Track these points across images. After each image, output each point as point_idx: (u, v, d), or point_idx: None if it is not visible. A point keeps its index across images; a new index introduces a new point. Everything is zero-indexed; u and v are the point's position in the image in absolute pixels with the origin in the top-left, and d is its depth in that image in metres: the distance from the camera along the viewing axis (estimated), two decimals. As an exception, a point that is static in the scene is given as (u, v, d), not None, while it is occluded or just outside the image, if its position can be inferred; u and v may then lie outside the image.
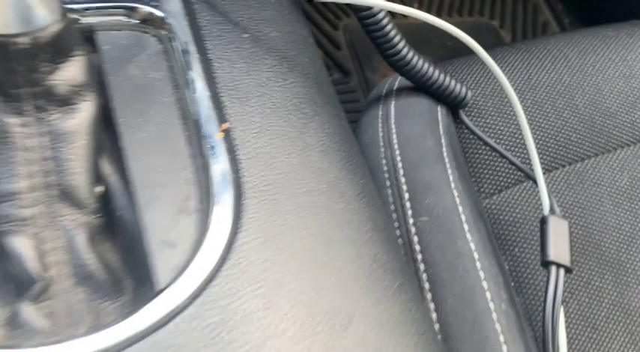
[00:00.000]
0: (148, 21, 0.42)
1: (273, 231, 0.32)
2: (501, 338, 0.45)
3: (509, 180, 0.61)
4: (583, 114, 0.66)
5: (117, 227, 0.35)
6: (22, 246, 0.32)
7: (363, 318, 0.31)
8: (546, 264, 0.49)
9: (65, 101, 0.35)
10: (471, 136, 0.62)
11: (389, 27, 0.53)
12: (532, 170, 0.55)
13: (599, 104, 0.66)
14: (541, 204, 0.54)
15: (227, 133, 0.36)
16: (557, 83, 0.67)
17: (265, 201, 0.33)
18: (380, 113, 0.57)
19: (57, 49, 0.34)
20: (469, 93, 0.59)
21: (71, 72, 0.35)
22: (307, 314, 0.30)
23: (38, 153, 0.34)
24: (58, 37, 0.34)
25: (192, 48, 0.41)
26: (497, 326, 0.45)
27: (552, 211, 0.52)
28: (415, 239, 0.46)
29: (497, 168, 0.62)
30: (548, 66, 0.67)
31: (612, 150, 0.65)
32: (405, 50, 0.54)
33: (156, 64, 0.41)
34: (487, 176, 0.61)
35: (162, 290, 0.30)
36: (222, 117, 0.37)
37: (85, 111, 0.36)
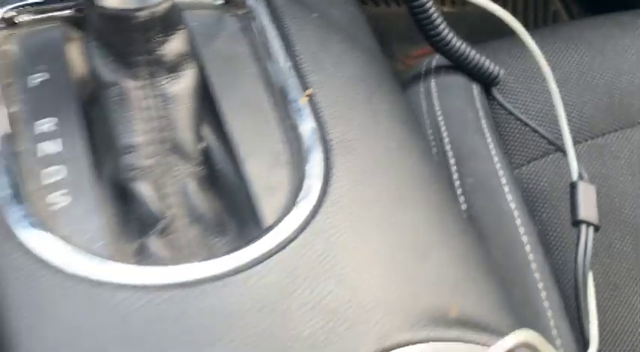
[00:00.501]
0: (230, 2, 0.47)
1: (359, 179, 0.38)
2: (540, 285, 0.50)
3: (536, 152, 0.67)
4: (603, 93, 0.71)
5: (218, 178, 0.40)
6: (145, 190, 0.38)
7: (439, 252, 0.36)
8: (577, 223, 0.55)
9: (173, 68, 0.40)
10: (500, 112, 0.67)
11: (432, 9, 0.58)
12: (560, 142, 0.61)
13: (618, 84, 0.71)
14: (566, 174, 0.60)
15: (310, 98, 0.42)
16: (579, 63, 0.72)
17: (350, 154, 0.39)
18: (421, 89, 0.62)
19: (167, 23, 0.40)
20: (501, 72, 0.65)
21: (177, 43, 0.40)
22: (393, 246, 0.35)
23: (152, 113, 0.40)
24: (169, 12, 0.39)
25: (270, 26, 0.46)
26: (537, 275, 0.51)
27: (581, 176, 0.58)
28: (462, 198, 0.51)
29: (525, 141, 0.67)
30: (571, 48, 0.73)
31: (630, 127, 0.71)
32: (446, 31, 0.59)
33: (238, 40, 0.46)
34: (516, 148, 0.67)
35: (272, 226, 0.35)
36: (304, 85, 0.43)
37: (188, 77, 0.41)
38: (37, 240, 0.33)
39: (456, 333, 0.32)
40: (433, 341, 0.31)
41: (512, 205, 0.52)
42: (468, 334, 0.32)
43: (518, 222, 0.51)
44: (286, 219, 0.35)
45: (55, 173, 0.37)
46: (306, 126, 0.40)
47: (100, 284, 0.31)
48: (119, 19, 0.38)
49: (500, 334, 0.32)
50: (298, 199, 0.36)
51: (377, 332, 0.31)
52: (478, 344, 0.31)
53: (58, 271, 0.31)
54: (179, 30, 0.41)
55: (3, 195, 0.34)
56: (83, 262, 0.32)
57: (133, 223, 0.37)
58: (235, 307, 0.31)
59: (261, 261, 0.33)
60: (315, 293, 0.32)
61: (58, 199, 0.36)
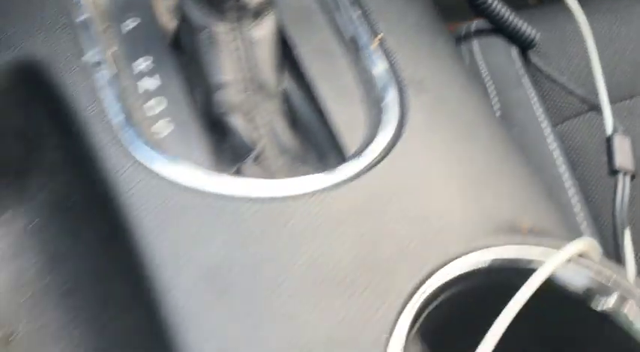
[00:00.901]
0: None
1: (431, 112, 0.41)
2: (582, 227, 0.54)
3: (570, 112, 0.70)
4: (630, 60, 0.75)
5: (298, 116, 0.44)
6: (239, 123, 0.41)
7: (508, 176, 0.40)
8: (614, 172, 0.58)
9: (257, 14, 0.44)
10: (535, 74, 0.71)
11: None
12: (594, 100, 0.64)
13: (643, 50, 0.75)
14: (598, 131, 0.63)
15: (380, 43, 0.45)
16: (607, 32, 0.76)
17: (421, 92, 0.42)
18: (463, 49, 0.66)
19: (252, -29, 0.43)
20: (538, 36, 0.68)
21: (261, -9, 0.44)
22: (468, 169, 0.39)
23: (240, 54, 0.43)
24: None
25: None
26: (578, 219, 0.54)
27: (616, 129, 0.61)
28: (509, 146, 0.55)
29: (559, 102, 0.71)
30: (598, 18, 0.76)
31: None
32: (489, -6, 0.63)
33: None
34: (550, 108, 0.70)
35: (359, 152, 0.39)
36: (373, 32, 0.46)
37: (270, 23, 0.44)
38: (153, 159, 0.36)
39: (530, 239, 0.35)
40: (511, 244, 0.35)
41: (555, 153, 0.56)
42: (540, 240, 0.35)
43: (559, 161, 0.55)
44: (371, 146, 0.39)
45: (156, 105, 0.40)
46: (379, 68, 0.44)
47: (220, 196, 0.34)
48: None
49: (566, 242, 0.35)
50: (379, 130, 0.40)
51: (464, 236, 0.34)
52: (549, 247, 0.35)
53: (176, 185, 0.35)
54: (261, -21, 0.44)
55: (117, 120, 0.38)
56: (200, 177, 0.35)
57: (228, 152, 0.41)
58: (337, 214, 0.34)
59: (356, 178, 0.37)
60: (407, 204, 0.35)
61: (162, 128, 0.39)
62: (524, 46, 0.69)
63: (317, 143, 0.43)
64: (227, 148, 0.41)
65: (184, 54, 0.44)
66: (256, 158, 0.40)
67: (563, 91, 0.70)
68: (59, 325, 0.38)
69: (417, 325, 0.32)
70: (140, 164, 0.36)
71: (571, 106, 0.70)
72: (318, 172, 0.38)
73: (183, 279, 0.31)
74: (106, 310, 0.37)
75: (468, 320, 0.33)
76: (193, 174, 0.36)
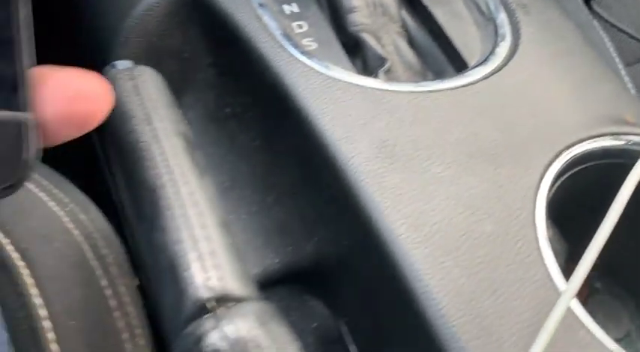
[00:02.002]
0: None
1: (540, 30, 0.47)
2: None
3: (630, 59, 0.76)
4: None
5: (416, 37, 0.50)
6: (370, 39, 0.47)
7: (609, 83, 0.46)
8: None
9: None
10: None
11: None
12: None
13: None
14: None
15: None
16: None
17: (527, 14, 0.48)
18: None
19: None
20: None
21: None
22: (577, 75, 0.45)
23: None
24: None
25: None
26: None
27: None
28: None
29: (620, 49, 0.76)
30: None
31: None
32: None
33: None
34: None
35: (480, 62, 0.45)
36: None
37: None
38: (315, 63, 0.42)
39: (636, 130, 0.41)
40: (616, 134, 0.41)
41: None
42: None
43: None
44: (493, 56, 0.45)
45: (297, 27, 0.46)
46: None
47: (377, 90, 0.40)
48: None
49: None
50: (496, 44, 0.46)
51: (575, 126, 0.40)
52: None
53: (341, 81, 0.41)
54: None
55: (277, 34, 0.44)
56: (358, 77, 0.42)
57: (359, 66, 0.47)
58: (476, 104, 0.40)
59: (486, 78, 0.43)
60: (532, 99, 0.41)
61: (308, 44, 0.45)
62: (587, -3, 0.75)
63: (432, 61, 0.49)
64: (358, 63, 0.47)
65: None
66: (387, 71, 0.46)
67: (623, 40, 0.76)
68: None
69: (551, 194, 0.38)
70: (307, 66, 0.42)
71: (632, 53, 0.76)
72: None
73: (360, 150, 0.37)
74: (267, 197, 0.44)
75: (589, 203, 0.39)
76: (352, 75, 0.42)
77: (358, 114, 0.39)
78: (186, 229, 0.31)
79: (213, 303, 0.28)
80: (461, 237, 0.34)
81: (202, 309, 0.28)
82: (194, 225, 0.31)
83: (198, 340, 0.28)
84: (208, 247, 0.30)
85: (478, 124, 0.40)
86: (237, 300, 0.29)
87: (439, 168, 0.37)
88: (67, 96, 0.19)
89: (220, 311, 0.28)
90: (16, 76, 0.18)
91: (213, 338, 0.27)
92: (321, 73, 0.41)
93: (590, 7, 0.75)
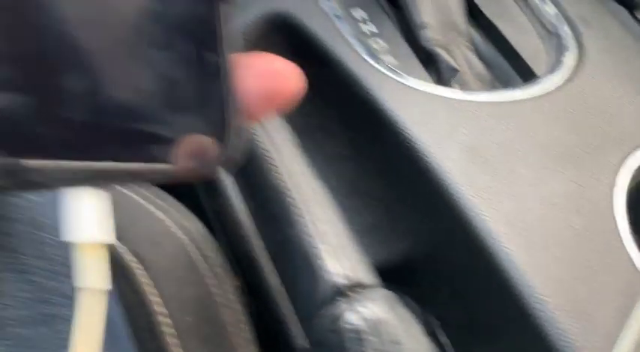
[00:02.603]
0: None
1: (602, 42, 0.50)
2: None
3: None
4: None
5: (482, 51, 0.53)
6: (442, 52, 0.51)
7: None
8: None
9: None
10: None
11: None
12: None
13: None
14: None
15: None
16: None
17: (588, 27, 0.52)
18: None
19: None
20: (642, -4, 0.77)
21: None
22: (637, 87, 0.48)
23: (435, 1, 0.53)
24: None
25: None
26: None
27: None
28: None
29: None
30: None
31: None
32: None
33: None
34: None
35: (549, 72, 0.48)
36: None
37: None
38: (401, 77, 0.46)
39: None
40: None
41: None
42: None
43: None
44: (561, 66, 0.48)
45: (380, 44, 0.50)
46: (549, 9, 0.53)
47: (459, 100, 0.44)
48: None
49: None
50: (563, 55, 0.49)
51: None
52: None
53: (427, 93, 0.44)
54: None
55: (363, 52, 0.47)
56: (440, 89, 0.45)
57: (435, 77, 0.51)
58: (552, 112, 0.44)
59: (556, 89, 0.46)
60: (603, 107, 0.45)
61: (389, 60, 0.49)
62: (630, 6, 0.78)
63: (499, 72, 0.53)
64: (432, 75, 0.51)
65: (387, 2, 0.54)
66: (460, 81, 0.50)
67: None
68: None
69: (629, 189, 0.41)
70: (393, 80, 0.45)
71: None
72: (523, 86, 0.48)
73: (450, 155, 0.40)
74: (357, 202, 0.47)
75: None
76: (433, 87, 0.45)
77: (444, 123, 0.43)
78: (313, 225, 0.34)
79: (347, 289, 0.32)
80: (552, 232, 0.38)
81: (337, 293, 0.32)
82: (321, 220, 0.34)
83: (336, 319, 0.31)
84: (337, 240, 0.33)
85: (557, 129, 0.43)
86: (367, 287, 0.32)
87: (525, 170, 0.40)
88: (267, 75, 0.21)
89: (354, 295, 0.31)
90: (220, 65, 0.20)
91: (351, 318, 0.31)
92: (406, 86, 0.45)
93: (634, 17, 0.79)
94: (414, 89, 0.45)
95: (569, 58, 0.49)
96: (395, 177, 0.44)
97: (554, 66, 0.49)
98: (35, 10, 0.18)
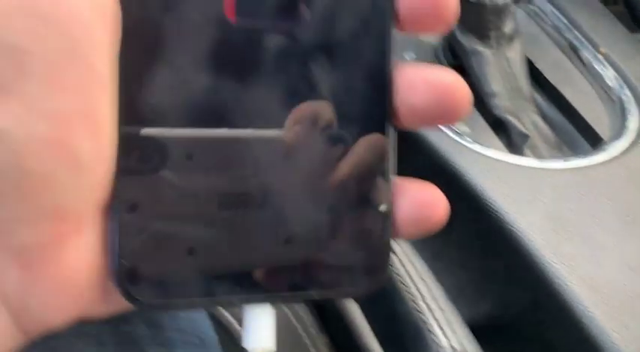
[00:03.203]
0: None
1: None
2: None
3: None
4: None
5: (548, 115, 0.57)
6: (513, 119, 0.54)
7: None
8: None
9: (509, 39, 0.57)
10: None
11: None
12: None
13: None
14: None
15: (604, 55, 0.58)
16: None
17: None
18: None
19: (506, 10, 0.57)
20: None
21: (512, 22, 0.57)
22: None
23: (504, 70, 0.56)
24: (508, 3, 0.57)
25: (553, 10, 0.63)
26: None
27: None
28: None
29: None
30: None
31: None
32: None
33: (531, 23, 0.63)
34: None
35: (617, 136, 0.51)
36: (594, 46, 0.59)
37: (519, 45, 0.58)
38: (480, 146, 0.50)
39: None
40: None
41: None
42: None
43: None
44: (626, 131, 0.51)
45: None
46: (609, 73, 0.57)
47: (536, 168, 0.48)
48: (481, 6, 0.55)
49: None
50: (626, 120, 0.53)
51: None
52: None
53: (506, 162, 0.48)
54: (511, 13, 0.58)
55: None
56: (517, 158, 0.49)
57: (505, 142, 0.54)
58: (626, 177, 0.47)
59: (623, 154, 0.49)
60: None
61: (464, 130, 0.53)
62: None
63: (565, 136, 0.56)
64: (503, 140, 0.54)
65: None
66: (530, 147, 0.53)
67: None
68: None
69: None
70: (471, 150, 0.49)
71: None
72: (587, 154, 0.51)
73: (533, 223, 0.44)
74: (437, 264, 0.51)
75: None
76: (511, 156, 0.49)
77: (524, 192, 0.46)
78: (422, 301, 0.38)
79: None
80: (632, 295, 0.41)
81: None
82: (426, 297, 0.38)
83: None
84: (443, 316, 0.37)
85: (629, 194, 0.46)
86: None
87: (603, 236, 0.44)
88: (421, 204, 0.23)
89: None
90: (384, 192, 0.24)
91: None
92: (485, 156, 0.49)
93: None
94: (492, 159, 0.48)
95: (633, 122, 0.52)
96: (476, 242, 0.48)
97: (620, 131, 0.52)
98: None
